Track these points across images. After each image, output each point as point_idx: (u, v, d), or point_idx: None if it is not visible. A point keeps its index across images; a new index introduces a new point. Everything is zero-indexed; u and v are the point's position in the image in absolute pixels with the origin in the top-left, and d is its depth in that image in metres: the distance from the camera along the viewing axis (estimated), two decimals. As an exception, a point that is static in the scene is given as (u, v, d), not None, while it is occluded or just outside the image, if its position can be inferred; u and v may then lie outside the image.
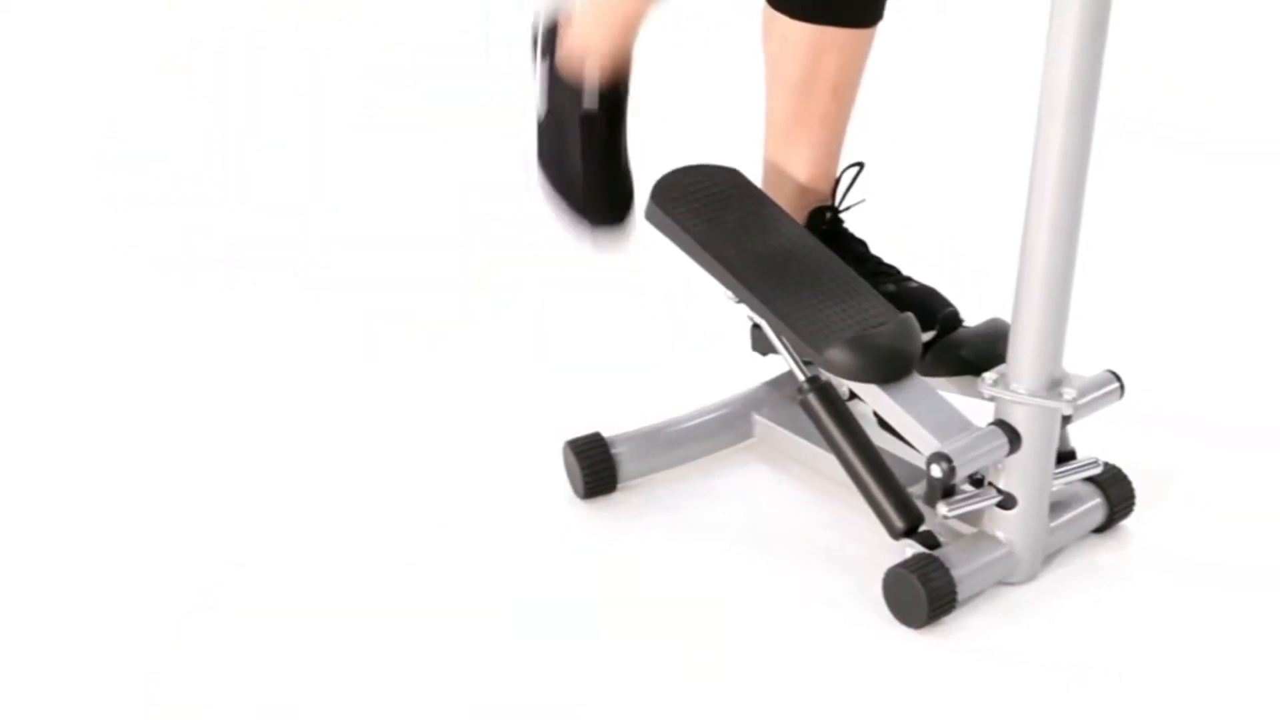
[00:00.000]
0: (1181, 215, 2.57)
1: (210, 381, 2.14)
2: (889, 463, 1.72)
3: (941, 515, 1.67)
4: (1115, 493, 1.79)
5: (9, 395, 2.13)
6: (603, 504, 1.87)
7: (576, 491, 1.88)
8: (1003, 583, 1.72)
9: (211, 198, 2.66)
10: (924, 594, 1.64)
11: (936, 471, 1.62)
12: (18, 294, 2.39)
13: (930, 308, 1.83)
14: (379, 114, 2.91)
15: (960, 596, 1.66)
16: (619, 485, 1.88)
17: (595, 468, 1.86)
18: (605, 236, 1.95)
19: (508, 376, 2.11)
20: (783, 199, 1.87)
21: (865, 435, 1.72)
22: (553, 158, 1.97)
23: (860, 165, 1.88)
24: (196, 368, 2.17)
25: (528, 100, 1.99)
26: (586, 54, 1.92)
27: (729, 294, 1.77)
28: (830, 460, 1.76)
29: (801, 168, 1.87)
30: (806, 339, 1.71)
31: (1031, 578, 1.73)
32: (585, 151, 1.92)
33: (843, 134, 1.88)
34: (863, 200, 1.89)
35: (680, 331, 2.18)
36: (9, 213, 2.64)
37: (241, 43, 3.28)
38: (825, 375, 1.73)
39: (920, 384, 1.71)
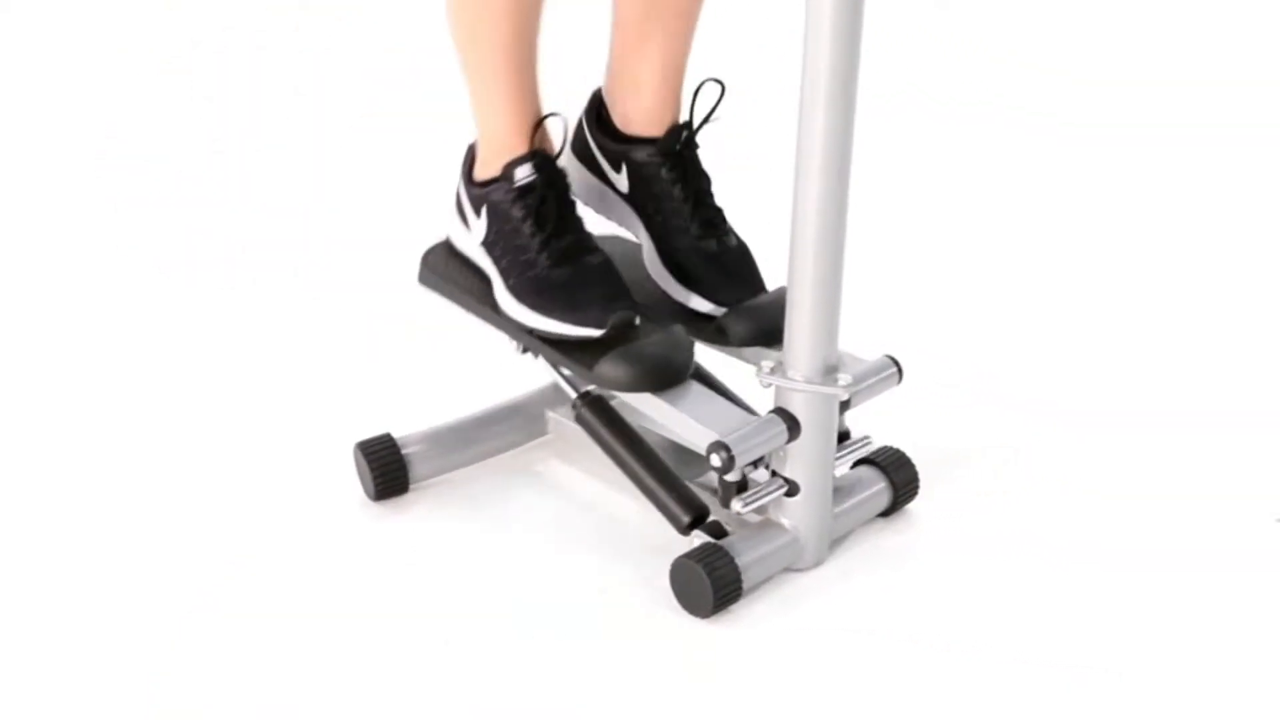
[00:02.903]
0: (971, 201, 2.62)
1: (210, 381, 2.13)
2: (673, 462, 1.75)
3: (737, 512, 1.69)
4: (899, 477, 1.82)
5: (9, 395, 2.11)
6: (394, 505, 1.86)
7: (368, 493, 1.86)
8: (789, 569, 1.74)
9: (211, 198, 2.65)
10: (709, 583, 1.65)
11: (716, 461, 1.63)
12: (18, 294, 2.38)
13: (741, 282, 1.80)
14: (379, 114, 2.88)
15: (746, 584, 1.68)
16: (411, 486, 1.87)
17: (386, 469, 1.85)
18: (613, 331, 1.72)
19: (297, 378, 2.11)
20: (632, 106, 1.83)
21: (642, 440, 1.76)
22: (516, 271, 1.77)
23: (720, 83, 1.81)
24: (196, 367, 2.16)
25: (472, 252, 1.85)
26: (500, 144, 1.78)
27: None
28: (634, 421, 1.79)
29: (654, 71, 1.81)
30: (575, 357, 1.72)
31: (818, 563, 1.75)
32: (540, 236, 1.75)
33: (693, 32, 1.81)
34: (719, 118, 1.83)
35: (474, 329, 2.17)
36: (9, 213, 2.62)
37: (241, 43, 3.25)
38: (597, 389, 1.75)
39: (695, 387, 1.72)
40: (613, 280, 1.75)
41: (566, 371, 1.79)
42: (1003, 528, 1.82)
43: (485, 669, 1.62)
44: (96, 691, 1.60)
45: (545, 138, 1.79)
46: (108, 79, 3.10)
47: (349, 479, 1.88)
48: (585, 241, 1.77)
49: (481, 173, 1.80)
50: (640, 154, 1.81)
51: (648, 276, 1.82)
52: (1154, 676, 1.60)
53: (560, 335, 1.73)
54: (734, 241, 1.82)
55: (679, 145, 1.81)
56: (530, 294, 1.74)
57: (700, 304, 1.79)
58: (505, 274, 1.77)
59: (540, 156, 1.76)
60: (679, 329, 1.74)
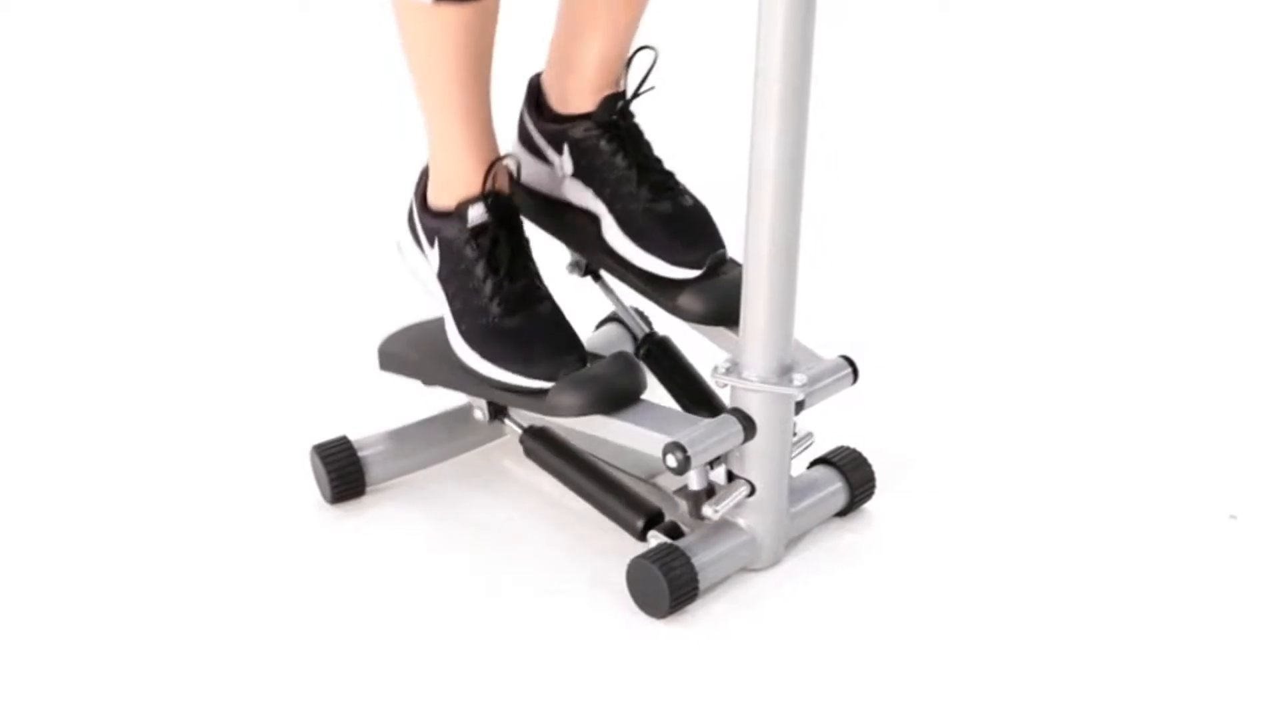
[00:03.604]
0: (930, 202, 2.63)
1: (165, 384, 2.12)
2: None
3: (708, 518, 1.69)
4: (856, 477, 1.82)
5: (9, 395, 2.10)
6: (351, 508, 1.86)
7: (324, 496, 1.86)
8: (746, 569, 1.74)
9: (212, 198, 2.63)
10: (665, 583, 1.66)
11: (672, 461, 1.64)
12: (18, 294, 2.37)
13: (700, 241, 1.79)
14: (379, 114, 2.87)
15: (702, 584, 1.68)
16: (368, 489, 1.87)
17: (342, 471, 1.85)
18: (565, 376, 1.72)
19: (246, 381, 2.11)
20: (570, 87, 1.82)
21: (589, 459, 1.80)
22: (469, 317, 1.78)
23: (653, 50, 1.81)
24: (151, 370, 2.15)
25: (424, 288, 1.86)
26: (453, 181, 1.79)
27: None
28: (581, 444, 1.82)
29: (595, 58, 1.81)
30: (526, 396, 1.74)
31: (775, 563, 1.75)
32: (493, 280, 1.75)
33: (639, 21, 1.81)
34: (653, 88, 1.83)
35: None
36: (9, 213, 2.61)
37: (241, 43, 3.24)
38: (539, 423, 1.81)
39: (646, 404, 1.73)
40: (563, 329, 1.76)
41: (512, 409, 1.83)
42: (958, 526, 1.83)
43: (441, 671, 1.62)
44: (46, 696, 1.59)
45: (499, 177, 1.79)
46: (108, 79, 3.10)
47: (306, 482, 1.87)
48: (537, 288, 1.78)
49: (435, 199, 1.80)
50: (578, 130, 1.82)
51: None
52: (1110, 672, 1.61)
53: (513, 385, 1.74)
54: (689, 201, 1.82)
55: (615, 115, 1.81)
56: (482, 342, 1.76)
57: (665, 269, 1.78)
58: (458, 317, 1.78)
59: (494, 197, 1.77)
60: (627, 354, 1.76)
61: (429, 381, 1.87)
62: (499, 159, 1.78)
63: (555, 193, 1.88)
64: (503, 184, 1.79)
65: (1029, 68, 3.13)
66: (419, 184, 1.83)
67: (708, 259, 1.78)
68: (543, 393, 1.72)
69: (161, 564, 1.78)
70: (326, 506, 1.86)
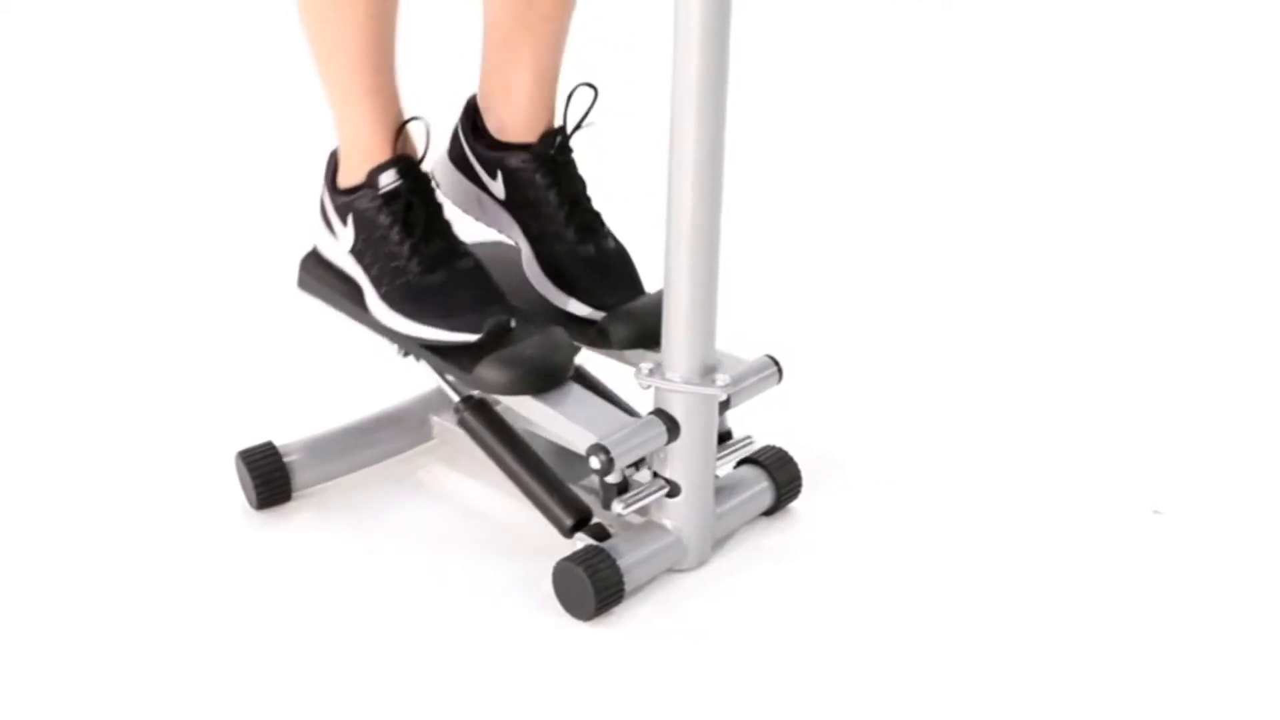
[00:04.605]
0: (849, 202, 2.64)
1: (86, 388, 2.10)
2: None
3: (617, 513, 1.69)
4: (782, 476, 1.83)
5: (9, 395, 2.08)
6: (277, 514, 1.85)
7: (250, 502, 1.85)
8: (672, 570, 1.74)
9: (211, 197, 2.61)
10: (591, 585, 1.65)
11: (596, 463, 1.63)
12: (18, 294, 2.34)
13: (617, 286, 1.80)
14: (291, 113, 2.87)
15: (628, 586, 1.68)
16: (294, 494, 1.86)
17: (268, 477, 1.84)
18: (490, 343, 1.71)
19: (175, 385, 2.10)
20: (506, 113, 1.82)
21: (526, 444, 1.76)
22: (388, 279, 1.76)
23: (593, 87, 1.79)
24: (71, 374, 2.13)
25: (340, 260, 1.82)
26: (362, 150, 1.76)
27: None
28: (518, 425, 1.79)
29: (526, 77, 1.80)
30: (454, 361, 1.72)
31: (701, 563, 1.75)
32: (410, 242, 1.73)
33: (565, 37, 1.80)
34: (593, 123, 1.82)
35: (355, 333, 2.16)
36: (9, 213, 2.58)
37: (242, 43, 3.21)
38: (480, 393, 1.75)
39: (576, 389, 1.72)
40: (486, 284, 1.74)
41: (450, 376, 1.79)
42: (885, 525, 1.83)
43: (367, 676, 1.61)
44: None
45: (408, 142, 1.78)
46: (108, 79, 3.07)
47: (231, 488, 1.86)
48: (456, 246, 1.76)
49: (345, 180, 1.79)
50: (514, 160, 1.81)
51: (527, 281, 1.82)
52: (1034, 669, 1.62)
53: (436, 341, 1.72)
54: (612, 244, 1.82)
55: (553, 150, 1.80)
56: (403, 301, 1.74)
57: (579, 308, 1.79)
58: (376, 282, 1.76)
59: (404, 162, 1.75)
60: (558, 330, 1.74)
61: (347, 315, 1.82)
62: (406, 122, 1.76)
63: (473, 212, 1.88)
64: (413, 149, 1.78)
65: (1029, 67, 3.13)
66: (328, 171, 1.81)
67: (614, 304, 1.78)
68: (466, 348, 1.70)
69: (81, 572, 1.76)
70: (252, 513, 1.85)
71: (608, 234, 1.82)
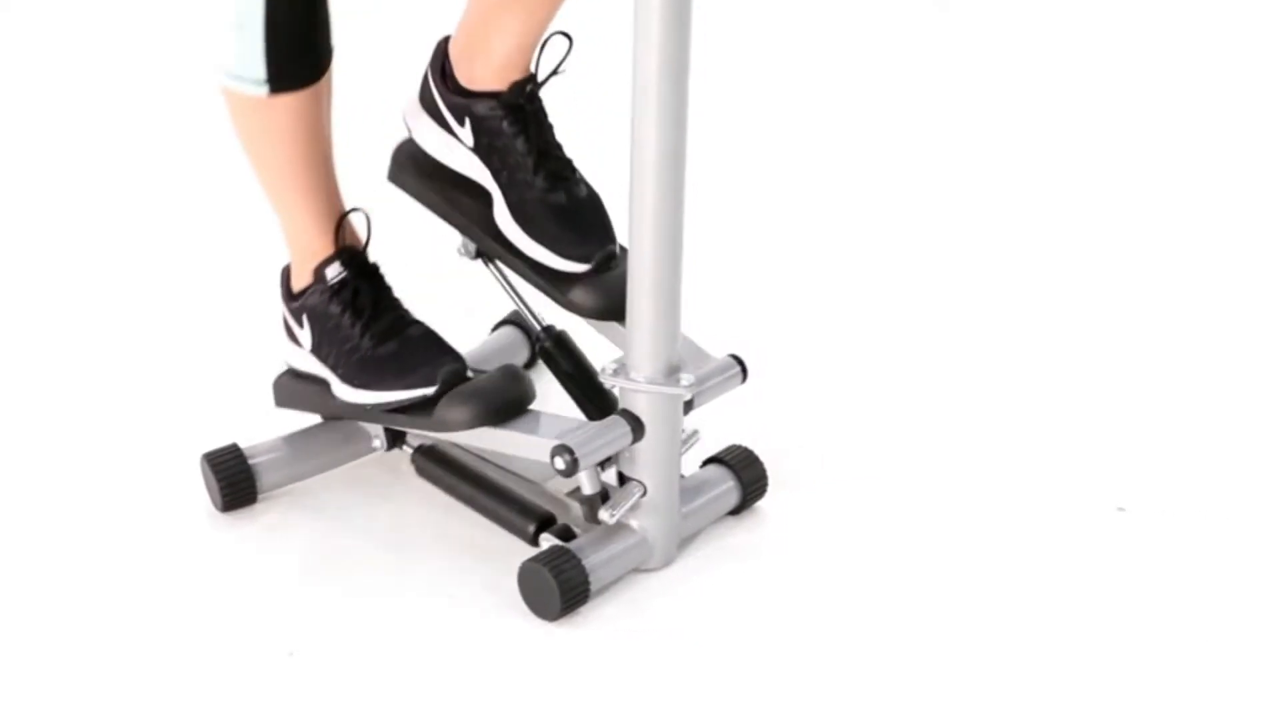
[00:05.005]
0: (815, 200, 2.64)
1: (51, 391, 2.09)
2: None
3: (606, 522, 1.69)
4: (747, 475, 1.83)
5: (9, 395, 2.08)
6: (242, 516, 1.84)
7: (215, 504, 1.84)
8: (638, 570, 1.74)
9: (211, 198, 2.59)
10: (556, 585, 1.65)
11: (560, 464, 1.63)
12: (18, 294, 2.33)
13: (591, 235, 1.78)
14: (379, 114, 2.84)
15: (594, 586, 1.68)
16: (259, 496, 1.86)
17: (233, 479, 1.83)
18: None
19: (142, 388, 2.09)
20: (480, 67, 1.79)
21: (477, 471, 1.83)
22: (344, 361, 1.79)
23: (569, 37, 1.78)
24: (35, 376, 2.12)
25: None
26: (308, 250, 1.81)
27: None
28: (470, 457, 1.84)
29: (508, 42, 1.78)
30: (417, 414, 1.75)
31: (667, 563, 1.76)
32: (360, 323, 1.77)
33: (557, 10, 1.78)
34: (564, 71, 1.80)
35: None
36: (9, 213, 2.57)
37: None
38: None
39: (535, 413, 1.73)
40: (439, 343, 1.77)
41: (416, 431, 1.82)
42: (850, 523, 1.84)
43: (331, 678, 1.61)
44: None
45: (350, 233, 1.81)
46: (108, 79, 3.05)
47: (196, 490, 1.86)
48: (404, 316, 1.80)
49: (297, 283, 1.83)
50: (481, 108, 1.79)
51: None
52: (1002, 667, 1.62)
53: (397, 402, 1.75)
54: (584, 192, 1.80)
55: (522, 99, 1.79)
56: (360, 374, 1.77)
57: (554, 260, 1.77)
58: (334, 367, 1.80)
59: (348, 252, 1.79)
60: (513, 365, 1.77)
61: (327, 414, 1.87)
62: (345, 215, 1.79)
63: (448, 161, 1.85)
64: (354, 239, 1.81)
65: (1028, 67, 3.14)
66: (283, 285, 1.85)
67: (596, 255, 1.76)
68: (427, 401, 1.72)
69: (46, 575, 1.76)
70: (217, 515, 1.84)
71: (579, 181, 1.80)
